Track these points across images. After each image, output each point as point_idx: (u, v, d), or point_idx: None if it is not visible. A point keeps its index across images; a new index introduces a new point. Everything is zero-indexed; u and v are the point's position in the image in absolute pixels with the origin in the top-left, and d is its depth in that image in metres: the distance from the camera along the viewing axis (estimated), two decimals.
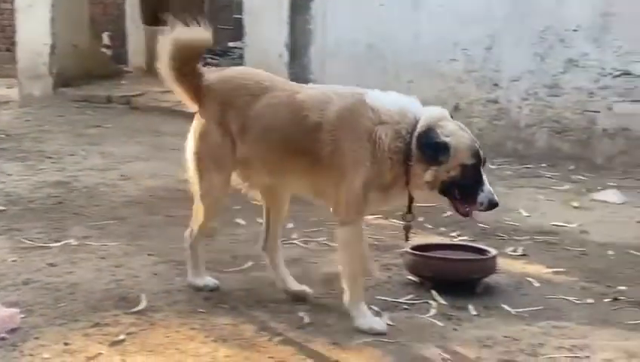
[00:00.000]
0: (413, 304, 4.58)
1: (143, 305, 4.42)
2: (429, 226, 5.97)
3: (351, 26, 9.31)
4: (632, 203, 6.95)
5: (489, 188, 4.06)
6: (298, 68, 9.51)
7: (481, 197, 4.04)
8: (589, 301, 4.74)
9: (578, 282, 5.04)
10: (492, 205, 4.06)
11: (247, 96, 4.40)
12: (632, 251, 5.65)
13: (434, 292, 4.68)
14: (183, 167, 4.64)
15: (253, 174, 4.49)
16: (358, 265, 4.24)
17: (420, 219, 5.56)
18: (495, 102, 8.82)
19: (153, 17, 12.84)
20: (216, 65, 13.10)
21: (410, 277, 4.92)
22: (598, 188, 7.38)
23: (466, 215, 4.13)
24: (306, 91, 4.36)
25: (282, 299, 4.59)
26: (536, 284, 4.95)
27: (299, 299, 4.58)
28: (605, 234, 6.03)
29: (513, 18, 8.65)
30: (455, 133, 4.07)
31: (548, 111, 8.61)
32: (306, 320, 4.32)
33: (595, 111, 8.43)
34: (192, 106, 4.58)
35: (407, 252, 4.91)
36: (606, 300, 4.76)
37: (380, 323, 4.21)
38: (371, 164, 4.09)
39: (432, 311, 4.47)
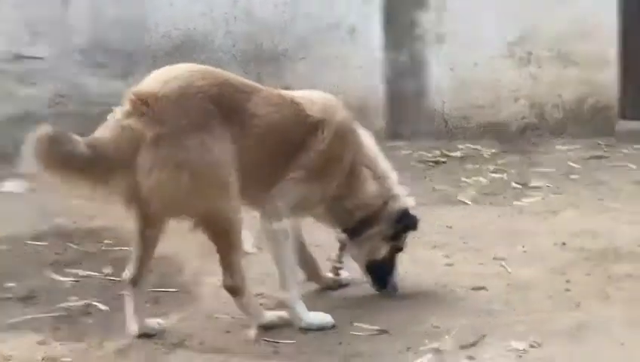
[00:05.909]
0: None
1: None
2: None
3: None
4: (36, 190, 6.75)
5: None
6: None
7: None
8: None
9: None
10: None
11: (238, 94, 3.94)
12: (29, 241, 5.50)
13: None
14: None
15: None
16: (294, 259, 4.14)
17: None
18: None
19: None
20: None
21: None
22: (8, 179, 7.09)
23: None
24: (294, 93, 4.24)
25: None
26: None
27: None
28: (5, 227, 5.78)
29: None
30: None
31: None
32: None
33: None
34: None
35: None
36: None
37: (325, 317, 4.08)
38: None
39: None
